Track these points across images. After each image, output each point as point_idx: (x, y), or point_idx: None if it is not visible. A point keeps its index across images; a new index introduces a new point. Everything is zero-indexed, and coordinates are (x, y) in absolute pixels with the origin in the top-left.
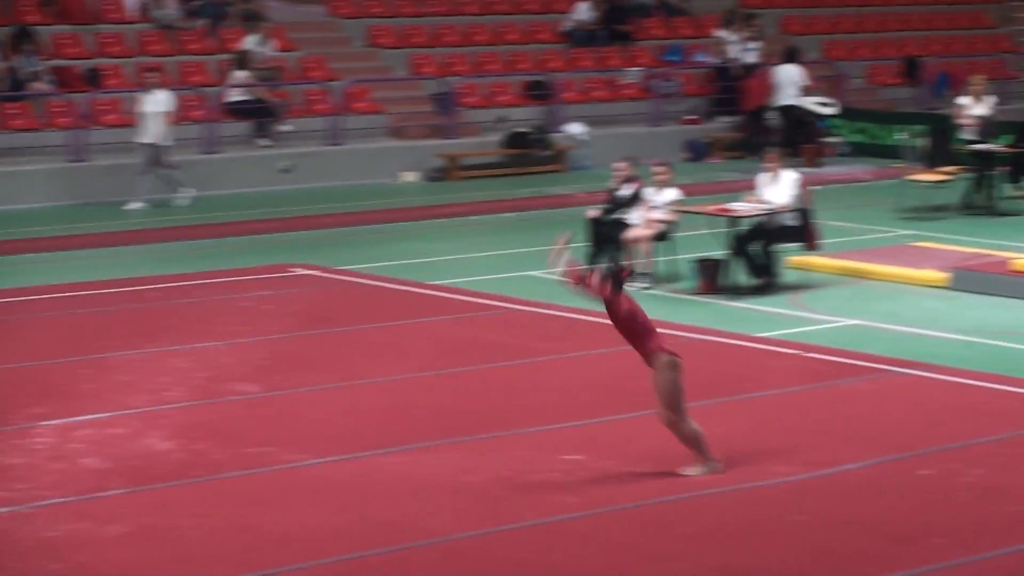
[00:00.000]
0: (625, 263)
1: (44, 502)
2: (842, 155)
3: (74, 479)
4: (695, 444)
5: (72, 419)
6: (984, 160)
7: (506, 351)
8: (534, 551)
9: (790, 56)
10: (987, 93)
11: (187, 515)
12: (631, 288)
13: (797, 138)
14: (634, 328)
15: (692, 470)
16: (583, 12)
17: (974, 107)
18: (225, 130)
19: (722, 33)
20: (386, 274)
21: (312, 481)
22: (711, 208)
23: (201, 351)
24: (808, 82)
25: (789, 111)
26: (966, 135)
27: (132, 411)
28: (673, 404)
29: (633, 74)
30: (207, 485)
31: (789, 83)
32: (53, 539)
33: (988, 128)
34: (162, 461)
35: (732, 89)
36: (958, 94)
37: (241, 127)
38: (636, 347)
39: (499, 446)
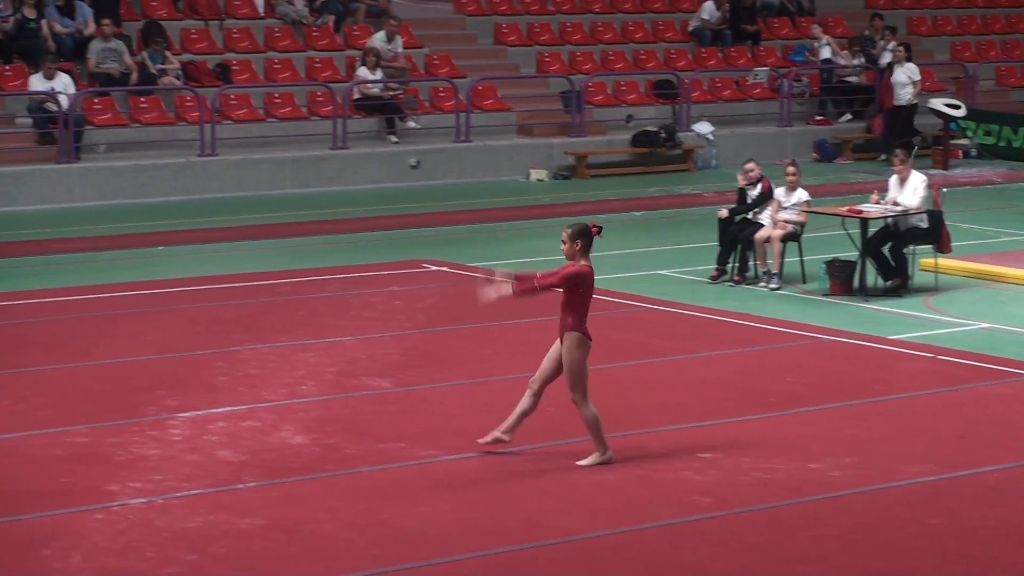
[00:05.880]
0: (596, 223)
1: (181, 493)
2: (971, 157)
3: (209, 471)
4: (594, 429)
5: (206, 411)
6: None
7: (638, 350)
8: (667, 551)
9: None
10: None
11: (321, 509)
12: (769, 289)
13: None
14: (574, 300)
15: (586, 461)
16: (708, 11)
17: None
18: (353, 126)
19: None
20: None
21: (444, 477)
22: (841, 209)
23: (333, 345)
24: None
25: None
26: None
27: (266, 404)
28: (577, 384)
29: (761, 74)
30: (340, 479)
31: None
32: (190, 530)
33: None
34: (296, 454)
35: (861, 89)
36: None
37: (369, 123)
38: (562, 318)
39: (631, 444)
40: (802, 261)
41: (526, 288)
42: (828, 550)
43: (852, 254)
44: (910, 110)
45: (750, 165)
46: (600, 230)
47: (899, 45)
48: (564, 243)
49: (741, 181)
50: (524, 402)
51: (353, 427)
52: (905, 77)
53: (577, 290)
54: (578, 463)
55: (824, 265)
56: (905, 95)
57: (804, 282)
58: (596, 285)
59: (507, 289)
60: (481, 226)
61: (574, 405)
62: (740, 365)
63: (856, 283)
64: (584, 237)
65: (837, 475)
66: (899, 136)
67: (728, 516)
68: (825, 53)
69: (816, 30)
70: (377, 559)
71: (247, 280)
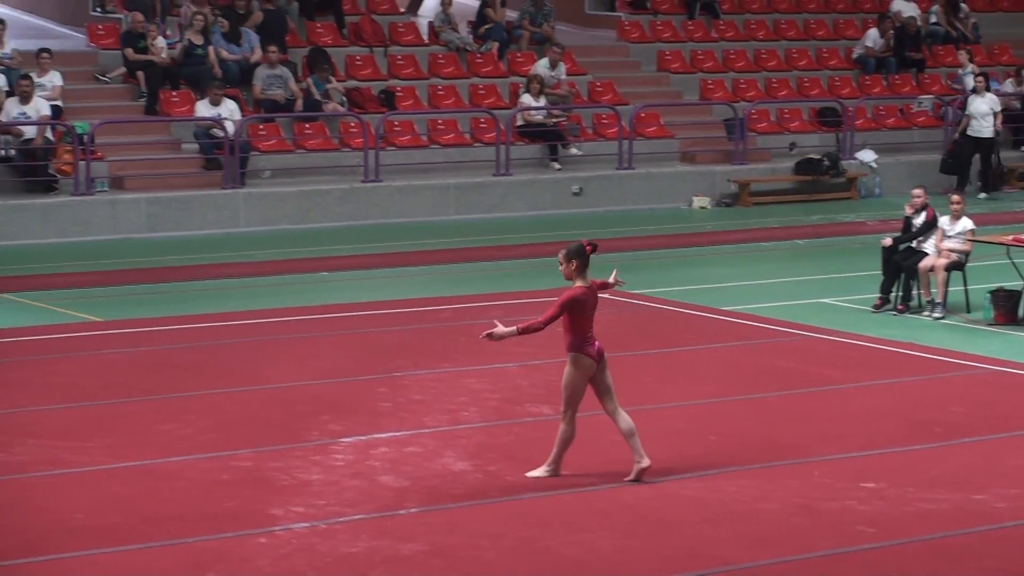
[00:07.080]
0: (590, 241)
1: (343, 518)
2: None
3: (372, 496)
4: (560, 446)
5: (369, 437)
6: None
7: (800, 378)
8: None
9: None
10: None
11: (483, 535)
12: (933, 318)
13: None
14: (571, 322)
15: (536, 472)
16: (873, 39)
17: None
18: (516, 153)
19: None
20: (678, 299)
21: (606, 505)
22: (1007, 238)
23: (495, 372)
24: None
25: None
26: None
27: (428, 430)
28: (569, 402)
29: (926, 102)
30: (502, 506)
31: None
32: (353, 555)
33: None
34: (458, 481)
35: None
36: None
37: (532, 150)
38: (564, 338)
39: (794, 473)
40: (966, 290)
41: (531, 327)
42: None
43: (1017, 283)
44: (991, 142)
45: (917, 191)
46: (595, 247)
47: (978, 75)
48: (561, 264)
49: (908, 210)
50: (620, 424)
51: (515, 454)
52: (987, 107)
53: (573, 313)
54: (527, 474)
55: (989, 294)
56: (986, 127)
57: (968, 311)
58: (764, 314)
59: (509, 331)
60: (643, 253)
61: (560, 417)
62: (904, 395)
63: (1021, 312)
64: (579, 257)
65: (1002, 506)
66: (982, 170)
67: (892, 547)
68: (970, 82)
69: (963, 57)
70: None
71: (410, 306)
